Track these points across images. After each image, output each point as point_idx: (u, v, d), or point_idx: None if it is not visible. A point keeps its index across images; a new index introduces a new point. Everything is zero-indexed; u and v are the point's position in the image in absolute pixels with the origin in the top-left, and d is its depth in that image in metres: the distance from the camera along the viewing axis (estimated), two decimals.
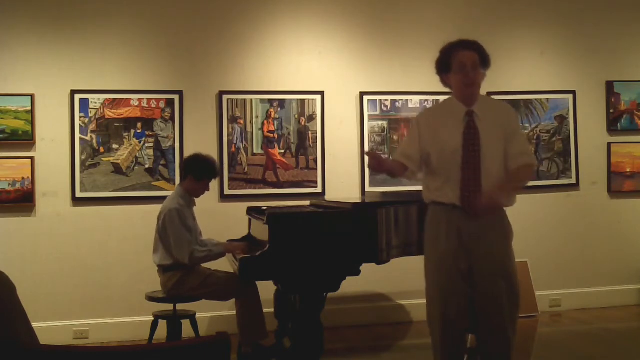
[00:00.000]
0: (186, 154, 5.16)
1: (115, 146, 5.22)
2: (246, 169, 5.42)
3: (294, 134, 5.51)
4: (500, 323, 3.12)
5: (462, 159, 3.15)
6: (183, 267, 4.21)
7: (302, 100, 5.52)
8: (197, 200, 4.48)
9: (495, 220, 3.17)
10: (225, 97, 5.39)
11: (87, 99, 5.17)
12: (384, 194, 5.09)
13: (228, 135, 5.39)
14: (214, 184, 5.22)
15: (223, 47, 5.44)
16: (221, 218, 5.20)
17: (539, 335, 5.41)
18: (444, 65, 3.33)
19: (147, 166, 5.26)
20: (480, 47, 3.26)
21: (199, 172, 4.37)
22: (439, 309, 3.17)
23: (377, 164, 3.19)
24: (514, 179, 3.19)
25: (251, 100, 5.44)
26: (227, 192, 5.37)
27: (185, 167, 4.44)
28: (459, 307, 3.14)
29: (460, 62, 3.21)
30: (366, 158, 3.64)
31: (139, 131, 5.26)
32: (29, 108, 5.07)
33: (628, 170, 6.10)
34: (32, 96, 5.08)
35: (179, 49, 5.37)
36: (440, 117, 3.31)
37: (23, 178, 5.05)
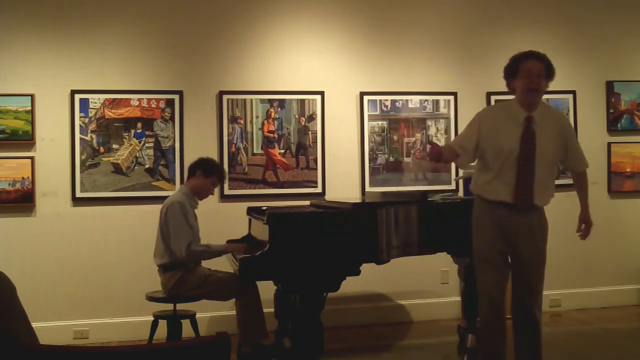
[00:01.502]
0: (186, 154, 5.19)
1: (115, 146, 5.22)
2: (246, 169, 5.42)
3: (294, 134, 5.51)
4: (533, 289, 3.57)
5: (518, 160, 3.47)
6: (183, 267, 4.21)
7: (302, 100, 5.52)
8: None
9: (534, 217, 3.55)
10: (225, 97, 5.39)
11: (87, 99, 5.17)
12: (384, 194, 5.09)
13: (228, 135, 5.39)
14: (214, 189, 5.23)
15: (223, 47, 5.44)
16: (221, 218, 5.20)
17: None
18: (512, 71, 3.61)
19: (147, 166, 5.26)
20: (547, 60, 3.59)
21: (208, 167, 4.40)
22: (484, 279, 3.61)
23: (438, 154, 3.49)
24: (585, 189, 3.91)
25: (251, 100, 5.44)
26: (227, 192, 5.37)
27: (195, 164, 4.45)
28: (499, 277, 3.59)
29: (527, 69, 3.52)
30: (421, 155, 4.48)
31: (139, 131, 5.26)
32: (29, 108, 5.07)
33: (628, 170, 6.10)
34: (32, 96, 5.08)
35: (179, 49, 5.37)
36: (501, 119, 3.58)
37: (23, 178, 5.05)
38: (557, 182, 5.95)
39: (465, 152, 3.60)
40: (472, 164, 3.79)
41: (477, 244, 3.69)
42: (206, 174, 4.39)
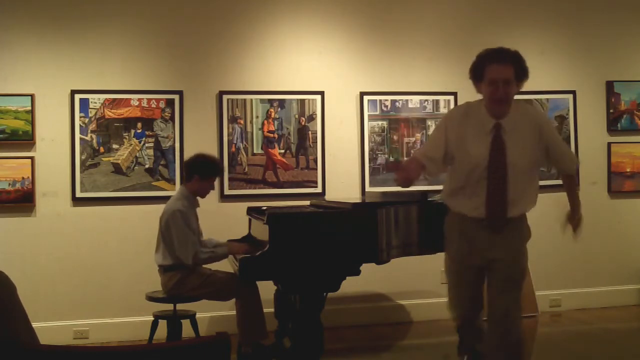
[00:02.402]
0: (186, 154, 5.17)
1: (115, 146, 5.22)
2: (246, 169, 5.42)
3: (294, 134, 5.51)
4: (510, 293, 3.27)
5: (488, 172, 3.16)
6: (183, 267, 4.21)
7: (302, 100, 5.52)
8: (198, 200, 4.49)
9: (510, 227, 3.25)
10: (225, 97, 5.39)
11: (87, 99, 5.17)
12: (384, 194, 5.08)
13: (228, 135, 5.39)
14: (214, 184, 5.23)
15: (223, 47, 5.44)
16: (221, 218, 5.20)
17: (539, 335, 5.41)
18: (477, 74, 3.24)
19: (147, 166, 5.26)
20: (517, 60, 3.18)
21: (204, 171, 4.35)
22: (454, 292, 3.44)
23: (407, 179, 3.18)
24: (574, 189, 3.51)
25: (251, 100, 5.44)
26: (227, 192, 5.37)
27: (190, 167, 4.39)
28: (471, 295, 3.38)
29: (492, 77, 3.14)
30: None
31: (139, 131, 5.26)
32: (29, 108, 5.07)
33: (628, 170, 6.10)
34: (32, 96, 5.08)
35: (179, 49, 5.37)
36: (468, 125, 3.24)
37: (23, 178, 5.05)
38: (557, 182, 6.00)
39: (432, 162, 3.26)
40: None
41: (446, 256, 3.48)
42: (203, 177, 4.36)
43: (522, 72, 3.19)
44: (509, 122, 3.19)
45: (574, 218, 3.49)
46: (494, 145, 3.15)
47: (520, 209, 3.27)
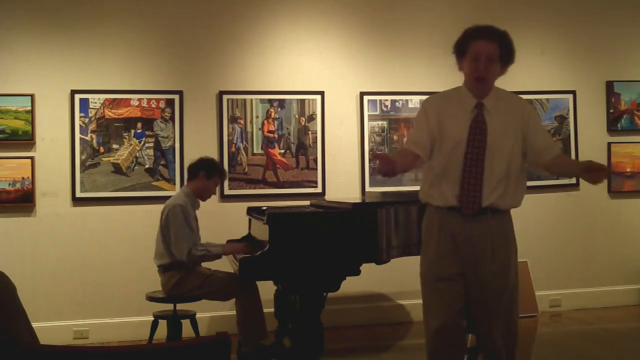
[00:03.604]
0: (186, 154, 5.18)
1: (115, 146, 5.22)
2: (246, 169, 5.42)
3: (294, 134, 5.51)
4: (490, 325, 2.97)
5: (465, 154, 2.92)
6: (183, 267, 4.21)
7: (302, 100, 5.52)
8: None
9: (493, 225, 2.96)
10: (225, 97, 5.39)
11: (87, 99, 5.17)
12: (384, 194, 5.09)
13: (228, 135, 5.39)
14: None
15: (223, 47, 5.44)
16: (221, 218, 5.20)
17: (539, 335, 5.41)
18: (460, 49, 3.01)
19: (147, 166, 5.26)
20: (505, 40, 2.97)
21: (211, 168, 4.40)
22: (430, 312, 3.06)
23: (389, 168, 2.85)
24: (566, 159, 3.02)
25: (251, 100, 5.43)
26: (227, 192, 5.37)
27: (196, 166, 4.44)
28: (447, 315, 3.00)
29: (475, 52, 2.93)
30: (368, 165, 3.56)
31: (139, 131, 5.25)
32: (29, 108, 5.07)
33: (628, 170, 6.10)
34: (32, 96, 5.08)
35: (179, 49, 5.37)
36: (448, 106, 3.04)
37: (23, 178, 5.05)
38: (557, 182, 6.04)
39: (422, 148, 2.99)
40: None
41: (422, 262, 3.12)
42: (209, 175, 4.39)
43: (507, 53, 2.97)
44: (491, 102, 2.99)
45: (593, 167, 2.80)
46: (475, 123, 2.95)
47: (502, 201, 2.95)
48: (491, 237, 2.95)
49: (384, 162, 2.85)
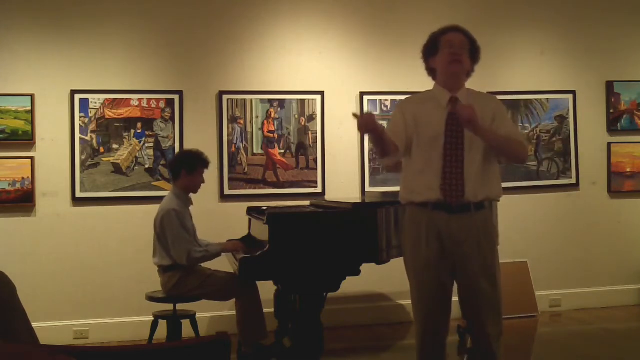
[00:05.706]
0: None
1: (115, 146, 5.22)
2: (246, 169, 5.42)
3: (294, 134, 5.51)
4: (482, 322, 3.05)
5: (444, 146, 3.00)
6: (183, 268, 4.21)
7: (302, 100, 5.52)
8: (196, 200, 4.48)
9: (477, 219, 3.02)
10: (225, 97, 5.39)
11: (87, 99, 5.17)
12: (384, 194, 5.08)
13: (228, 135, 5.39)
14: (213, 184, 5.23)
15: (223, 47, 5.44)
16: (221, 218, 5.20)
17: (539, 335, 5.42)
18: (431, 48, 3.12)
19: (147, 166, 5.26)
20: (471, 36, 3.11)
21: (189, 164, 4.36)
22: (420, 316, 3.15)
23: (369, 119, 2.84)
24: (501, 135, 3.00)
25: (251, 100, 5.43)
26: (227, 192, 5.37)
27: (175, 165, 4.41)
28: (438, 319, 3.12)
29: (449, 41, 3.05)
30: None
31: (139, 131, 5.26)
32: (29, 108, 5.07)
33: (628, 170, 6.10)
34: (32, 96, 5.08)
35: (179, 49, 5.37)
36: (423, 105, 3.13)
37: (23, 178, 5.05)
38: (557, 182, 6.05)
39: (399, 139, 3.06)
40: None
41: (408, 263, 3.17)
42: (190, 171, 4.36)
43: (474, 49, 3.10)
44: (464, 97, 3.07)
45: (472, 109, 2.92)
46: (451, 115, 3.01)
47: (482, 192, 3.02)
48: (477, 235, 3.02)
49: (366, 116, 2.88)
